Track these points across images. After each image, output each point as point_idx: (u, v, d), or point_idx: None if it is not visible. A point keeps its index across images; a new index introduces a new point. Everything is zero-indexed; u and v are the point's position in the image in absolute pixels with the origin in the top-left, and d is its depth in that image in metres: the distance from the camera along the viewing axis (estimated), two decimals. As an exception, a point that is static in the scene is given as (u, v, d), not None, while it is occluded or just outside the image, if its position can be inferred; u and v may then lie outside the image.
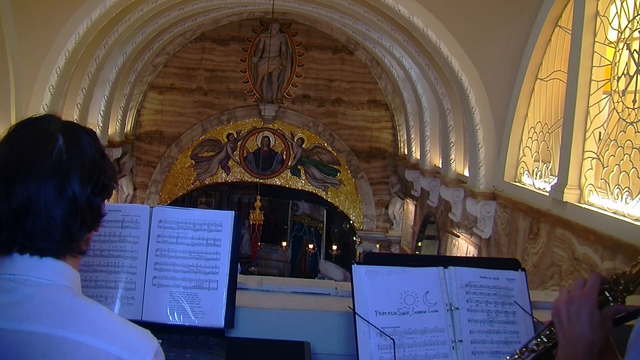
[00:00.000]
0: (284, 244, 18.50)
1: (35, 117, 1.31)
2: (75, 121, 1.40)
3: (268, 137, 13.99)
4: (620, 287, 1.31)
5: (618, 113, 5.11)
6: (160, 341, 1.84)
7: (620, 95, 5.10)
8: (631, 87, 4.95)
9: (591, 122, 5.45)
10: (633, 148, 4.86)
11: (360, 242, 14.06)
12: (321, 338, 1.99)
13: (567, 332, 1.31)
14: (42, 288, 1.22)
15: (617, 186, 4.98)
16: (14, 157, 1.23)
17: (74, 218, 1.23)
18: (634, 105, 4.89)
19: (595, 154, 5.40)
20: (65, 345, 1.17)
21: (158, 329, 1.89)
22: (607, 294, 1.31)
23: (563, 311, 1.32)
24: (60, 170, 1.22)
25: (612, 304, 1.30)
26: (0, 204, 1.20)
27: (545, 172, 6.55)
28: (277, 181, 14.18)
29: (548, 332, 1.41)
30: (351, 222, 14.36)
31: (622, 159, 4.97)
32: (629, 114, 4.96)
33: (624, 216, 4.74)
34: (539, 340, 1.43)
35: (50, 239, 1.22)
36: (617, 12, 5.30)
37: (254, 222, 11.40)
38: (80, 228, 1.25)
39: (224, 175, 14.10)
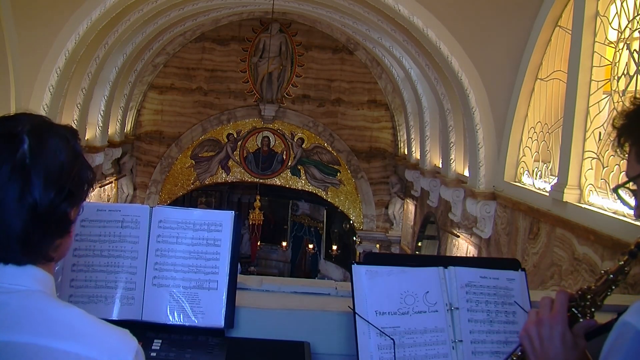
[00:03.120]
0: (284, 244, 18.50)
1: (4, 117, 1.23)
2: (54, 120, 1.27)
3: (268, 137, 13.99)
4: (588, 303, 1.32)
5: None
6: (161, 341, 1.85)
7: (620, 95, 5.10)
8: (631, 87, 4.95)
9: (591, 122, 5.45)
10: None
11: (360, 242, 14.06)
12: (321, 338, 1.99)
13: (539, 355, 1.29)
14: (14, 295, 1.17)
15: (617, 186, 4.97)
16: None
17: (35, 226, 1.16)
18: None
19: (595, 154, 5.40)
20: (43, 354, 1.12)
21: (158, 329, 1.89)
22: (575, 311, 1.31)
23: (534, 334, 1.30)
24: (22, 174, 1.15)
25: (581, 320, 1.30)
26: None
27: (545, 172, 6.55)
28: (277, 181, 14.18)
29: (520, 353, 1.39)
30: (351, 222, 14.36)
31: (622, 159, 4.97)
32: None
33: (624, 216, 4.74)
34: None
35: (9, 249, 1.17)
36: (617, 12, 5.30)
37: (254, 222, 11.40)
38: (43, 236, 1.19)
39: (224, 175, 14.10)
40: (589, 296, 1.32)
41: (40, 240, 1.19)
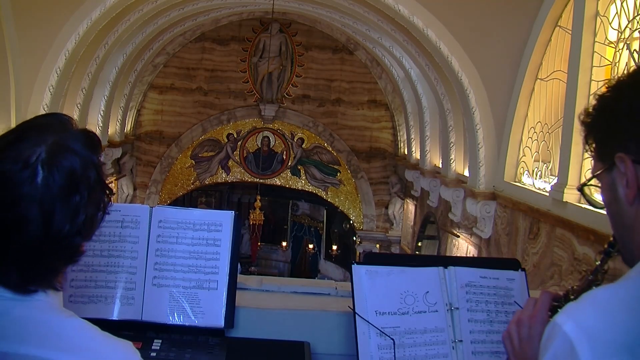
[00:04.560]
0: (284, 244, 18.49)
1: (19, 136, 1.16)
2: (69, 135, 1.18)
3: (268, 137, 13.99)
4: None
5: (618, 113, 5.10)
6: (161, 341, 1.85)
7: (620, 95, 5.09)
8: (631, 87, 4.94)
9: (591, 122, 5.44)
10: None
11: (360, 242, 14.06)
12: (321, 338, 1.99)
13: (518, 355, 1.27)
14: (18, 303, 1.14)
15: (617, 186, 4.97)
16: None
17: (42, 257, 1.14)
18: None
19: (595, 154, 5.39)
20: None
21: (158, 329, 1.89)
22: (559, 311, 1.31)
23: (514, 334, 1.29)
24: (36, 209, 1.11)
25: None
26: None
27: (545, 172, 6.55)
28: (277, 181, 14.18)
29: None
30: (351, 222, 14.36)
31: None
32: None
33: (624, 216, 4.73)
34: None
35: (10, 282, 1.14)
36: (617, 12, 5.30)
37: (254, 222, 11.41)
38: (52, 265, 1.18)
39: (224, 175, 14.10)
40: (571, 296, 1.32)
41: (47, 272, 1.17)
